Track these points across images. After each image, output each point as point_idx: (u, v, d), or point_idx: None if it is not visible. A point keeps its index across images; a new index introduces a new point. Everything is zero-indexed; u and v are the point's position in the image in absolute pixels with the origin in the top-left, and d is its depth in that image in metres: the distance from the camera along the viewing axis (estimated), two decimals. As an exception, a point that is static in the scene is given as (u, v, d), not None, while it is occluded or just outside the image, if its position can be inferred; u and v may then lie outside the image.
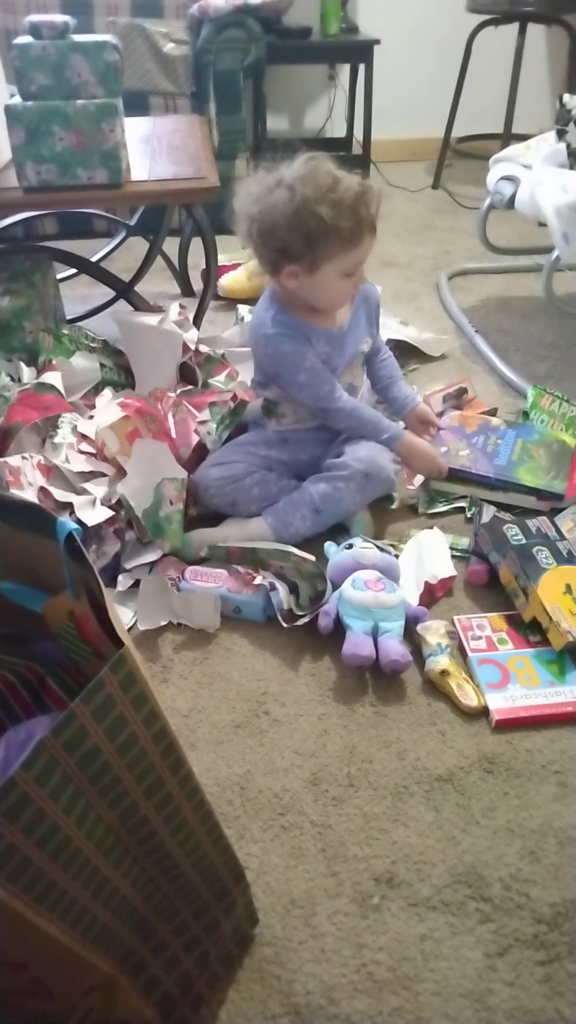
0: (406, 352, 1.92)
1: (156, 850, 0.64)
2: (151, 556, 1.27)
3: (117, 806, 0.58)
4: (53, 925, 0.55)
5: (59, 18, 1.40)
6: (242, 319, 1.94)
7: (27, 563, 0.71)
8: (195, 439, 1.45)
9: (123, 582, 1.26)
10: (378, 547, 1.26)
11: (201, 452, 1.45)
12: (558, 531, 1.29)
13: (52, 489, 1.26)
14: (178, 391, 1.57)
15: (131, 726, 0.57)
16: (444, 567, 1.27)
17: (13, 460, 1.27)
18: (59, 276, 2.00)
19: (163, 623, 1.22)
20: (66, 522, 0.62)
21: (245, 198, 1.25)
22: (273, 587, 1.21)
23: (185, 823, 0.66)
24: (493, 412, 1.71)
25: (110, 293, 2.02)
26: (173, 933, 0.70)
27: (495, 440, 1.51)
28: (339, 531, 1.36)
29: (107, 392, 1.56)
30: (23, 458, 1.29)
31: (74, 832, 0.55)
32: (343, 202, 1.19)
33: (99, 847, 0.58)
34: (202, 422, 1.46)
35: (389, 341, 1.72)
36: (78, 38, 1.40)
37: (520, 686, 1.10)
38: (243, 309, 1.99)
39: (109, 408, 1.41)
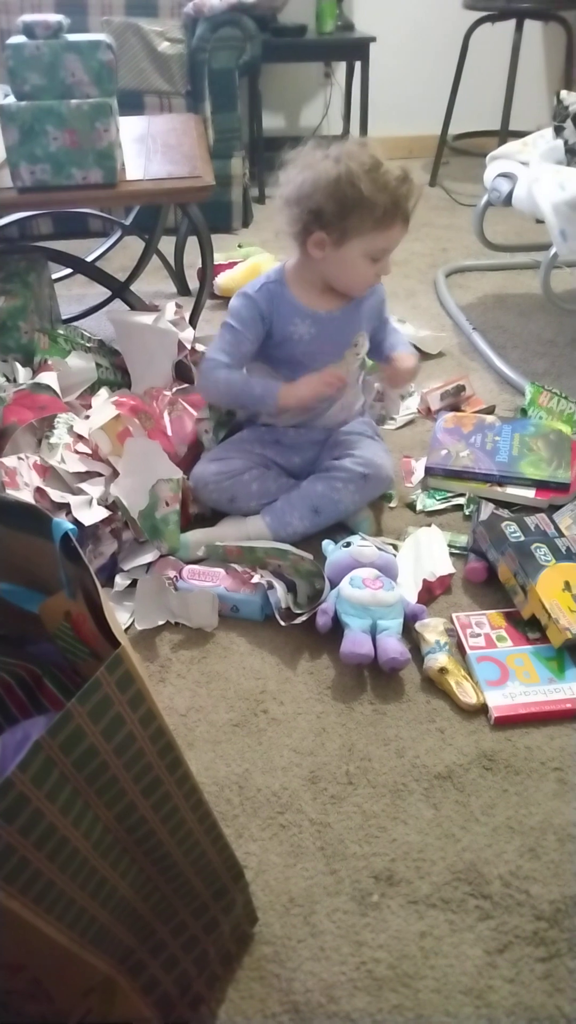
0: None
1: (154, 850, 0.64)
2: (148, 557, 1.27)
3: (115, 806, 0.58)
4: (51, 926, 0.55)
5: (53, 17, 1.39)
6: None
7: (23, 564, 0.71)
8: (191, 438, 1.45)
9: (120, 582, 1.26)
10: (376, 545, 1.26)
11: (197, 451, 1.45)
12: (557, 528, 1.29)
13: (48, 489, 1.26)
14: (174, 390, 1.57)
15: (128, 726, 0.57)
16: (442, 565, 1.27)
17: (9, 461, 1.27)
18: (54, 276, 2.00)
19: (161, 623, 1.22)
20: (62, 522, 0.62)
21: (292, 167, 1.26)
22: (271, 586, 1.21)
23: (183, 822, 0.66)
24: (491, 410, 1.71)
25: (106, 293, 2.02)
26: (172, 933, 0.70)
27: (493, 437, 1.52)
28: (337, 529, 1.36)
29: (103, 392, 1.56)
30: (19, 458, 1.29)
31: (71, 832, 0.55)
32: (383, 181, 1.20)
33: (97, 847, 0.58)
34: (200, 420, 1.46)
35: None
36: (72, 37, 1.40)
37: (519, 683, 1.09)
38: (240, 308, 1.99)
39: (104, 408, 1.41)
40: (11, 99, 1.41)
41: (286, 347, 1.35)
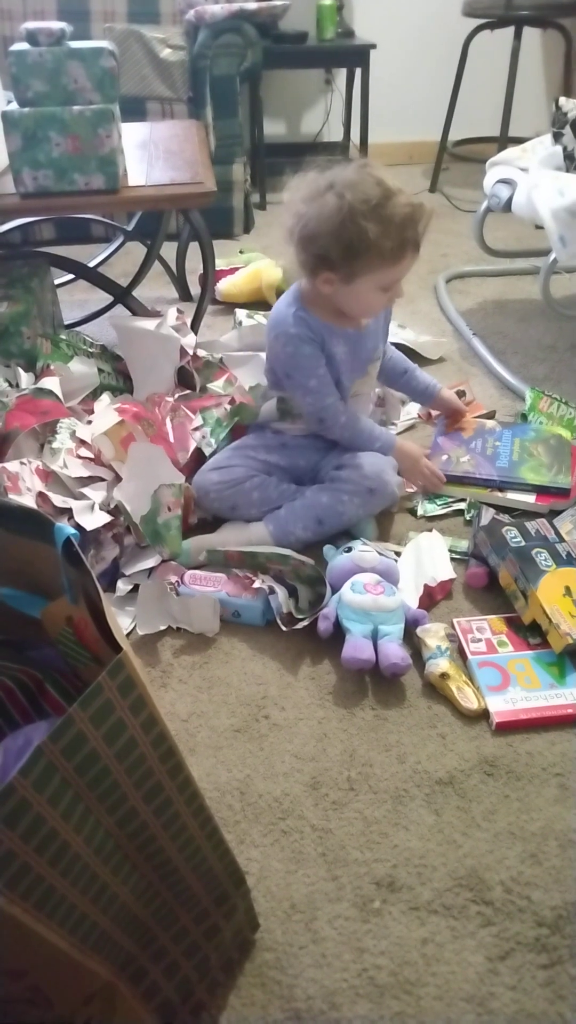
0: (404, 355, 1.92)
1: (155, 855, 0.64)
2: (150, 561, 1.27)
3: (116, 811, 0.58)
4: (52, 932, 0.55)
5: (55, 25, 1.40)
6: (240, 323, 1.94)
7: (25, 568, 0.71)
8: (193, 444, 1.45)
9: (122, 587, 1.26)
10: (377, 550, 1.26)
11: (199, 457, 1.45)
12: (557, 533, 1.29)
13: (50, 494, 1.26)
14: (176, 396, 1.57)
15: (130, 731, 0.57)
16: (443, 570, 1.27)
17: (11, 465, 1.27)
18: (57, 281, 2.01)
19: (162, 628, 1.22)
20: (64, 527, 0.62)
21: (295, 195, 1.23)
22: (272, 591, 1.21)
23: (184, 828, 0.66)
24: (491, 415, 1.71)
25: (108, 298, 2.02)
26: (173, 939, 0.70)
27: (493, 443, 1.52)
28: (339, 535, 1.36)
29: (105, 397, 1.56)
30: (21, 463, 1.29)
31: (73, 838, 0.55)
32: (391, 220, 1.17)
33: (98, 853, 0.58)
34: (196, 428, 1.46)
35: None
36: (75, 44, 1.41)
37: (520, 688, 1.09)
38: (241, 313, 1.99)
39: (107, 413, 1.41)
40: (14, 105, 1.41)
41: (331, 368, 1.35)
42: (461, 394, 1.74)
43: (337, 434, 1.39)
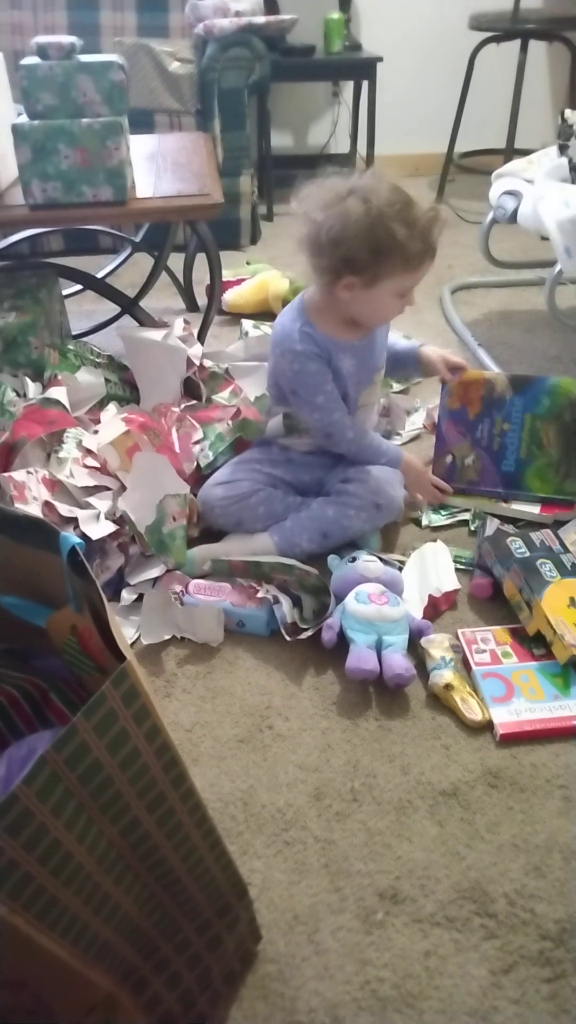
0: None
1: (158, 866, 0.64)
2: (155, 571, 1.27)
3: (119, 821, 0.58)
4: (54, 942, 0.55)
5: (66, 39, 1.42)
6: (246, 334, 1.95)
7: (30, 577, 0.71)
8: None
9: (127, 596, 1.27)
10: (381, 560, 1.26)
11: (201, 468, 1.45)
12: (562, 544, 1.29)
13: (56, 503, 1.27)
14: (182, 406, 1.57)
15: (133, 741, 0.57)
16: (448, 580, 1.27)
17: (18, 475, 1.28)
18: (65, 292, 2.02)
19: (167, 637, 1.22)
20: (69, 536, 0.62)
21: (310, 203, 1.23)
22: (277, 600, 1.21)
23: (187, 838, 0.66)
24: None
25: (115, 309, 2.04)
26: (175, 950, 0.70)
27: (501, 424, 1.42)
28: (343, 545, 1.36)
29: (112, 407, 1.57)
30: (28, 472, 1.30)
31: (76, 848, 0.55)
32: (416, 223, 1.19)
33: (101, 863, 0.58)
34: (196, 441, 1.46)
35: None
36: (84, 58, 1.42)
37: (524, 700, 1.09)
38: (247, 324, 2.00)
39: (113, 423, 1.42)
40: (24, 118, 1.43)
41: (338, 382, 1.36)
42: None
43: (344, 449, 1.39)
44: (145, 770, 0.59)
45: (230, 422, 1.49)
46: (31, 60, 1.41)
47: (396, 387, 1.85)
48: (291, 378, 1.34)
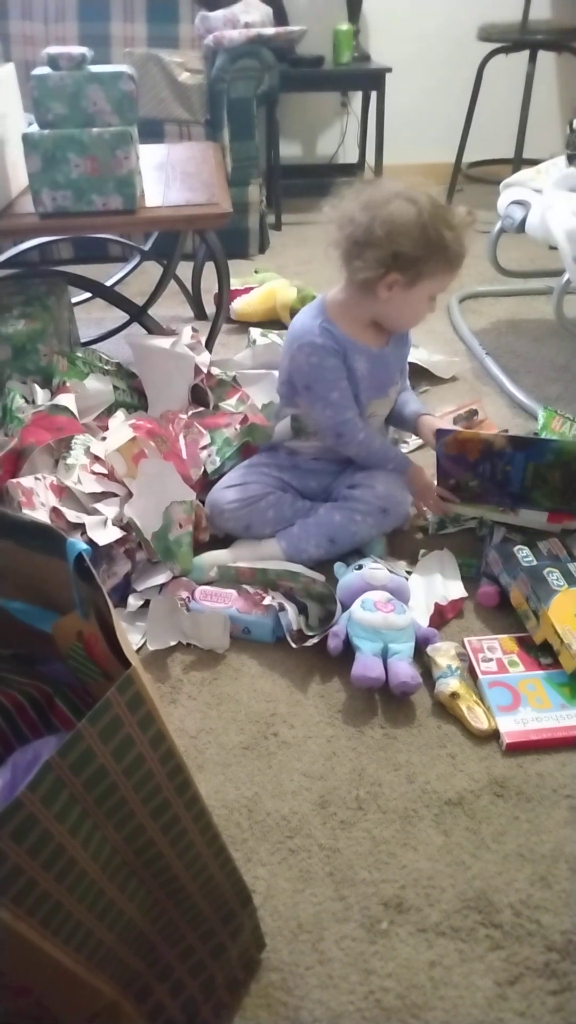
0: (417, 374, 1.93)
1: (162, 872, 0.64)
2: (161, 577, 1.28)
3: (123, 828, 0.58)
4: (58, 949, 0.55)
5: (77, 50, 1.43)
6: (254, 342, 1.95)
7: (37, 583, 0.72)
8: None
9: (133, 602, 1.27)
10: (388, 568, 1.26)
11: (208, 474, 1.46)
12: (569, 553, 1.28)
13: (64, 509, 1.27)
14: (190, 413, 1.58)
15: (138, 747, 0.57)
16: (455, 589, 1.27)
17: (26, 481, 1.28)
18: (74, 300, 2.03)
19: (172, 643, 1.22)
20: (76, 542, 0.63)
21: (350, 205, 1.26)
22: (282, 608, 1.21)
23: (191, 845, 0.65)
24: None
25: (124, 316, 2.05)
26: (179, 957, 0.70)
27: (503, 467, 1.33)
28: (350, 552, 1.36)
29: (120, 414, 1.58)
30: (36, 479, 1.30)
31: (80, 854, 0.55)
32: (460, 227, 1.25)
33: (105, 869, 0.58)
34: (203, 447, 1.47)
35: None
36: (95, 68, 1.44)
37: (531, 709, 1.09)
38: (255, 332, 2.01)
39: (121, 430, 1.42)
40: (34, 127, 1.44)
41: (351, 383, 1.36)
42: (473, 413, 1.74)
43: (354, 451, 1.39)
44: (150, 776, 0.59)
45: (238, 427, 1.49)
46: (42, 70, 1.42)
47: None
48: (307, 372, 1.34)
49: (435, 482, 1.46)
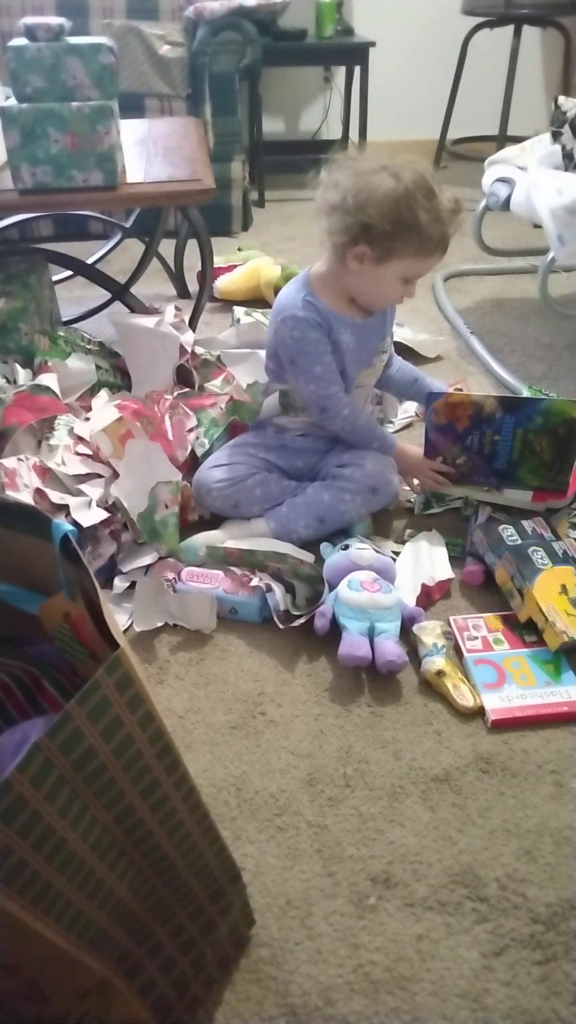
0: (402, 353, 1.91)
1: (152, 852, 0.64)
2: (148, 558, 1.27)
3: (113, 808, 0.58)
4: (49, 928, 0.55)
5: (54, 20, 1.40)
6: (238, 321, 1.94)
7: (23, 565, 0.71)
8: (190, 444, 1.45)
9: (119, 584, 1.26)
10: (374, 548, 1.26)
11: (195, 457, 1.45)
12: (554, 532, 1.29)
13: (48, 491, 1.26)
14: (175, 393, 1.57)
15: (127, 728, 0.57)
16: (442, 570, 1.27)
17: (9, 462, 1.27)
18: (55, 278, 2.00)
19: (159, 624, 1.22)
20: (61, 524, 0.62)
21: (341, 172, 1.25)
22: (269, 588, 1.21)
23: (181, 824, 0.66)
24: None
25: (106, 295, 2.02)
26: (169, 935, 0.70)
27: (492, 436, 1.36)
28: (335, 532, 1.36)
29: (103, 394, 1.56)
30: (19, 460, 1.29)
31: (70, 834, 0.55)
32: (439, 210, 1.21)
33: (95, 849, 0.58)
34: (191, 429, 1.46)
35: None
36: (73, 40, 1.40)
37: (516, 686, 1.10)
38: (239, 311, 1.99)
39: (106, 410, 1.41)
40: (12, 101, 1.41)
41: (336, 356, 1.35)
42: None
43: (339, 427, 1.39)
44: (139, 757, 0.59)
45: (223, 407, 1.48)
46: (19, 42, 1.39)
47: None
48: (291, 345, 1.33)
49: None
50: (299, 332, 1.32)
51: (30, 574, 0.71)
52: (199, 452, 1.44)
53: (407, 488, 1.48)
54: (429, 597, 1.25)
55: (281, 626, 1.18)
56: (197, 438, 1.45)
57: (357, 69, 3.09)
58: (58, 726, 0.52)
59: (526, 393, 1.69)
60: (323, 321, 1.32)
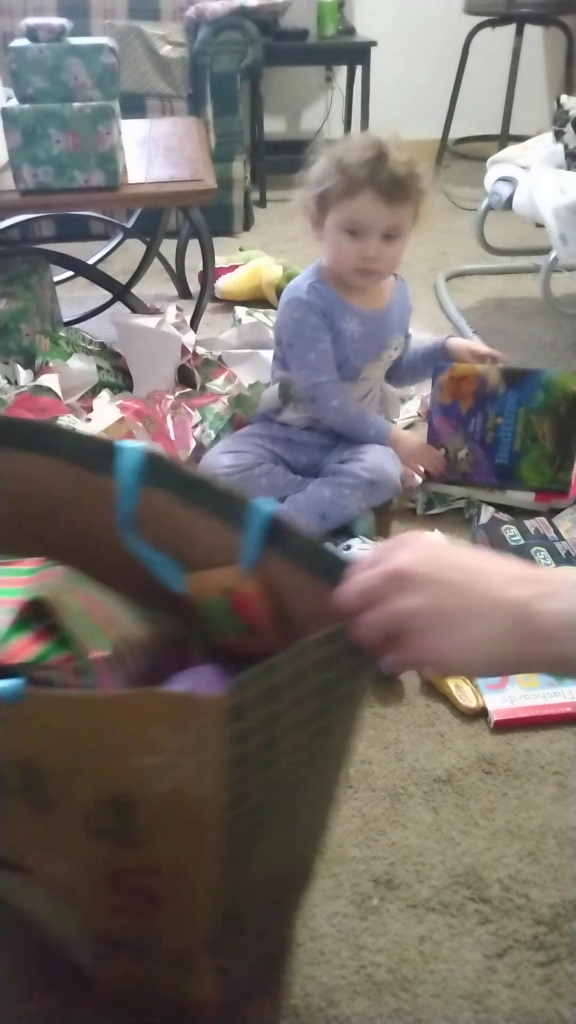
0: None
1: (298, 823, 0.63)
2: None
3: (315, 760, 0.57)
4: (222, 863, 0.54)
5: (56, 21, 1.40)
6: (239, 321, 1.94)
7: (176, 538, 0.70)
8: (193, 443, 1.45)
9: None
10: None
11: (199, 455, 1.45)
12: (556, 532, 1.29)
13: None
14: (176, 394, 1.57)
15: (342, 687, 0.55)
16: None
17: (10, 463, 1.27)
18: (56, 278, 2.00)
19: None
20: (265, 502, 0.63)
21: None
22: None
23: (332, 803, 0.65)
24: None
25: (107, 295, 2.02)
26: (253, 918, 0.68)
27: (494, 419, 1.38)
28: (337, 532, 1.36)
29: (104, 394, 1.56)
30: (21, 461, 1.29)
31: (282, 764, 0.53)
32: (359, 152, 1.24)
33: (296, 793, 0.57)
34: (195, 425, 1.46)
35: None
36: (75, 41, 1.41)
37: (519, 687, 1.09)
38: (240, 311, 1.99)
39: (107, 410, 1.41)
40: (14, 102, 1.41)
41: (338, 344, 1.36)
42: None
43: (330, 418, 1.39)
44: (343, 717, 0.58)
45: (225, 401, 1.48)
46: (21, 42, 1.39)
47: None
48: (290, 327, 1.36)
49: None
50: (300, 314, 1.34)
51: (178, 546, 0.70)
52: (206, 443, 1.44)
53: (409, 486, 1.47)
54: (431, 597, 1.25)
55: (283, 627, 1.18)
56: (203, 431, 1.45)
57: (359, 69, 3.08)
58: (293, 656, 0.49)
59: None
60: (326, 307, 1.33)
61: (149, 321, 1.65)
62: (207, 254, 1.85)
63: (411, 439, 1.43)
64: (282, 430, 1.44)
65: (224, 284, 2.23)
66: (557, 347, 2.05)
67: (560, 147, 1.99)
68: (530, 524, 1.29)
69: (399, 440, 1.41)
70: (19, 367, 1.55)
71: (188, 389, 1.60)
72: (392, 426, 1.43)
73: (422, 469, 1.45)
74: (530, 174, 1.94)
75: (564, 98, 2.00)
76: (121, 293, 1.94)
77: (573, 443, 1.39)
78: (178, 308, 1.72)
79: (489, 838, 0.93)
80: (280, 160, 3.17)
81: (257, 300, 2.19)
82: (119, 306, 1.98)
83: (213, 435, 1.45)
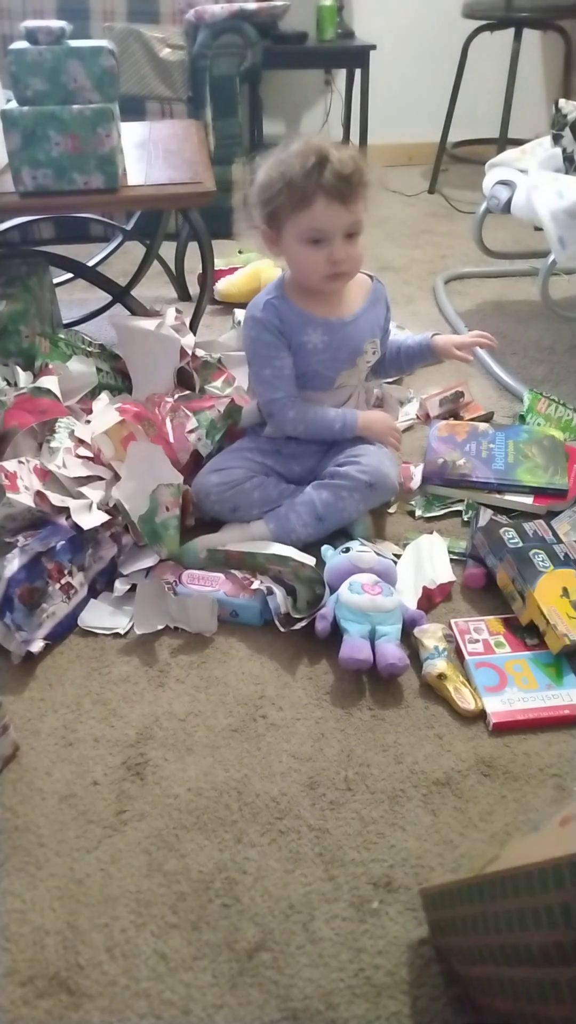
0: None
1: None
2: (148, 561, 1.27)
3: None
4: None
5: (55, 23, 1.40)
6: (238, 323, 1.94)
7: None
8: (191, 448, 1.45)
9: (120, 587, 1.26)
10: (375, 551, 1.26)
11: (197, 459, 1.45)
12: (555, 534, 1.29)
13: (49, 493, 1.26)
14: (176, 396, 1.57)
15: None
16: (443, 573, 1.27)
17: (9, 464, 1.27)
18: (56, 280, 2.01)
19: (160, 627, 1.22)
20: None
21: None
22: (270, 591, 1.21)
23: None
24: (489, 417, 1.72)
25: (107, 297, 2.02)
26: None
27: (487, 445, 1.52)
28: (336, 535, 1.36)
29: (104, 396, 1.56)
30: (20, 462, 1.29)
31: None
32: (302, 160, 1.20)
33: None
34: (191, 431, 1.46)
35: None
36: (74, 43, 1.41)
37: (517, 689, 1.10)
38: (239, 313, 1.99)
39: (107, 412, 1.41)
40: (13, 104, 1.41)
41: (301, 357, 1.35)
42: (459, 395, 1.74)
43: (289, 429, 1.38)
44: None
45: (220, 409, 1.48)
46: (20, 45, 1.39)
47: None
48: (248, 345, 1.37)
49: (422, 468, 1.49)
50: (255, 332, 1.34)
51: None
52: (203, 452, 1.44)
53: (408, 491, 1.48)
54: (430, 600, 1.25)
55: (282, 629, 1.18)
56: (199, 439, 1.45)
57: (358, 72, 3.09)
58: None
59: (527, 397, 1.69)
60: (283, 323, 1.32)
61: (148, 323, 1.65)
62: (206, 256, 1.85)
63: (380, 418, 1.40)
64: (269, 442, 1.44)
65: (223, 286, 2.23)
66: (555, 350, 2.05)
67: (558, 151, 2.00)
68: (528, 527, 1.29)
69: (370, 424, 1.38)
70: (19, 369, 1.55)
71: (187, 391, 1.61)
72: (358, 412, 1.40)
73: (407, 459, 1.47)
74: (528, 178, 1.95)
75: (562, 102, 2.01)
76: (120, 295, 1.94)
77: (561, 458, 1.49)
78: (177, 310, 1.72)
79: (488, 840, 0.93)
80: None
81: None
82: (118, 308, 1.98)
83: (211, 445, 1.45)
